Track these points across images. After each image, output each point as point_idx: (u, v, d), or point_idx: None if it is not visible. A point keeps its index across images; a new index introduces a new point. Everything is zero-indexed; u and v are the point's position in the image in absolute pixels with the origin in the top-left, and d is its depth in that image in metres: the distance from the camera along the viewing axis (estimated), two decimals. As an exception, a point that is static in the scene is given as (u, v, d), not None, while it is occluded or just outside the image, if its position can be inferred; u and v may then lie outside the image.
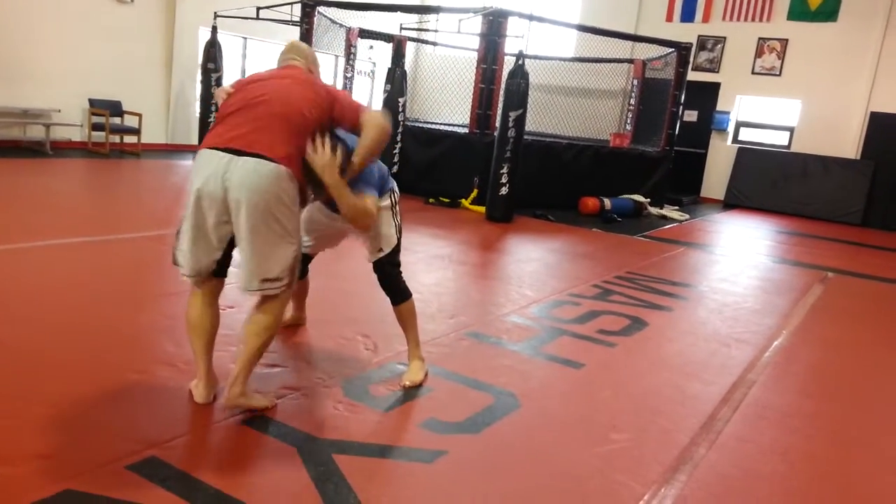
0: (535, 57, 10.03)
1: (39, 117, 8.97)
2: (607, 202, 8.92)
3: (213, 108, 9.75)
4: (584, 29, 10.27)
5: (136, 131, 9.80)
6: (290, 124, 2.28)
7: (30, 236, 4.62)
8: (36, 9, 8.84)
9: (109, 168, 8.56)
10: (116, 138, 9.83)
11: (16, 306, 3.30)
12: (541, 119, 11.26)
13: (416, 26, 11.46)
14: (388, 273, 2.91)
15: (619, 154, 9.89)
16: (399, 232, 2.89)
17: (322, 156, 2.31)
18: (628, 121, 11.90)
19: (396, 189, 2.91)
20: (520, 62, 7.51)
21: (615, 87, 12.55)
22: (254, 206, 2.21)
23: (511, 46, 8.64)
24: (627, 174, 9.68)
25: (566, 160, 9.16)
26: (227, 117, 2.33)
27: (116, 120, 9.69)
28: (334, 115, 2.42)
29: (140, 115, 9.81)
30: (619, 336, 3.87)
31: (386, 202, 2.81)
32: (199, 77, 10.27)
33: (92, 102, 9.51)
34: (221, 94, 2.48)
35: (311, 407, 2.58)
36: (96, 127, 9.49)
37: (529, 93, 7.57)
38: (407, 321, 2.99)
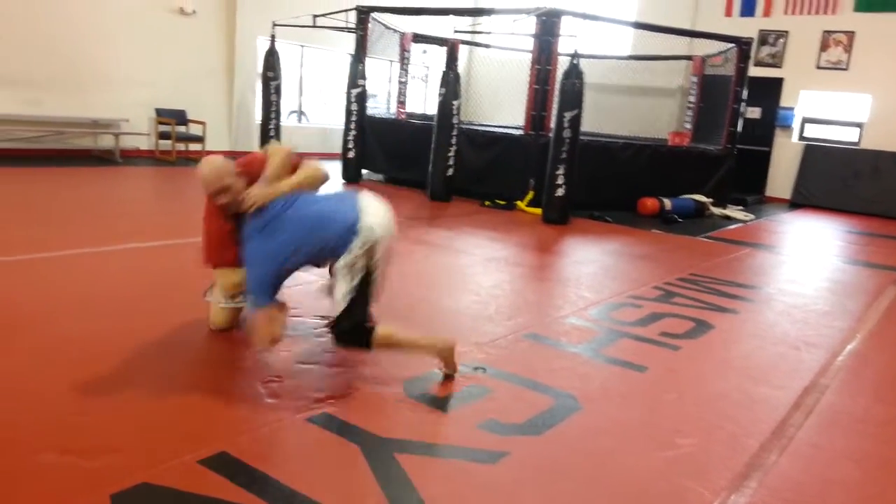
0: (590, 56, 9.90)
1: (109, 127, 9.37)
2: (667, 202, 8.73)
3: (272, 116, 10.00)
4: (640, 26, 10.09)
5: (200, 139, 10.13)
6: None
7: (112, 240, 4.83)
8: (105, 23, 9.23)
9: (176, 175, 8.86)
10: (182, 146, 10.18)
11: (97, 304, 3.45)
12: (596, 119, 11.11)
13: (469, 29, 11.49)
14: (340, 339, 2.75)
15: (678, 153, 9.67)
16: (354, 293, 2.67)
17: None
18: (687, 119, 11.63)
19: (366, 239, 2.66)
20: (574, 62, 7.44)
21: (673, 84, 12.29)
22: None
23: (565, 46, 8.57)
24: (688, 173, 9.45)
25: (623, 160, 9.01)
26: None
27: (182, 128, 10.03)
28: None
29: (204, 124, 10.13)
30: (683, 339, 3.78)
31: (339, 262, 2.66)
32: (258, 85, 10.53)
33: (158, 112, 9.89)
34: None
35: (372, 406, 2.61)
36: (163, 135, 9.86)
37: (584, 92, 7.48)
38: (401, 348, 2.88)
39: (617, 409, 2.81)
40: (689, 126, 11.30)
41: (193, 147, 10.26)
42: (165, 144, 9.90)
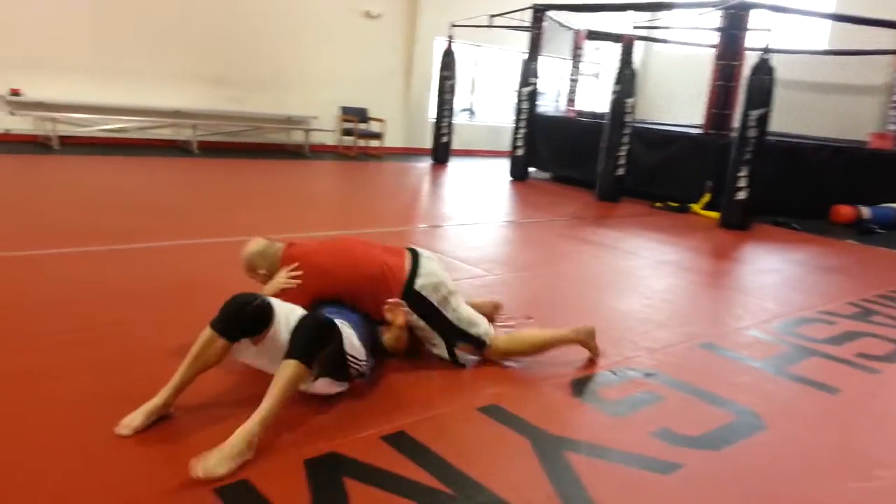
0: (782, 51, 9.17)
1: (300, 123, 10.19)
2: (865, 211, 7.90)
3: (445, 114, 10.32)
4: (840, 18, 9.18)
5: (378, 136, 10.71)
6: None
7: (303, 227, 5.28)
8: (300, 28, 10.05)
9: (358, 169, 9.46)
10: (362, 142, 10.82)
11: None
12: (784, 118, 10.28)
13: (647, 24, 11.11)
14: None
15: (880, 156, 8.69)
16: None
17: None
18: (892, 119, 10.41)
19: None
20: (765, 57, 6.94)
21: (876, 81, 11.05)
22: None
23: (753, 40, 8.02)
24: (892, 179, 8.47)
25: (815, 163, 8.27)
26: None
27: (363, 125, 10.67)
28: None
29: (383, 121, 10.70)
30: (884, 362, 3.42)
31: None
32: (434, 84, 10.91)
33: (343, 110, 10.60)
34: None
35: (542, 403, 2.64)
36: (346, 132, 10.56)
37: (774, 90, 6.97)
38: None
39: (805, 431, 2.61)
40: (894, 127, 10.12)
41: (373, 143, 10.87)
42: (348, 140, 10.59)
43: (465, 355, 2.91)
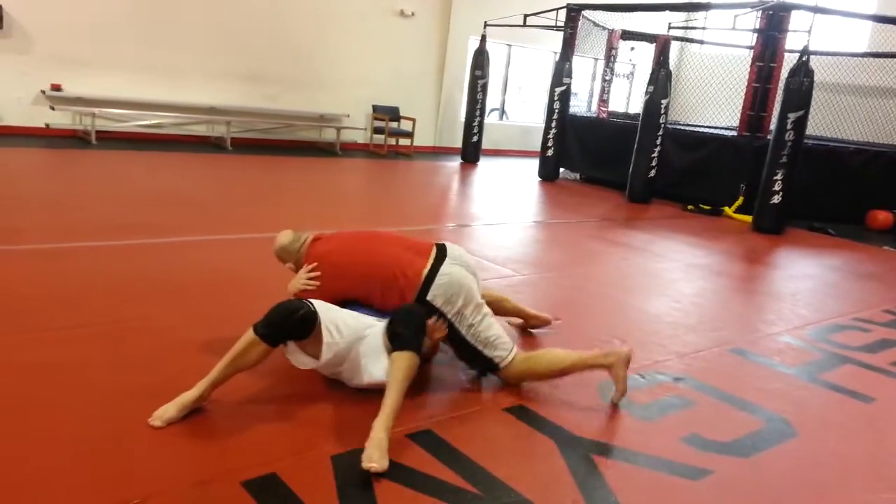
0: (823, 53, 8.98)
1: (332, 121, 10.27)
2: (904, 217, 7.72)
3: (477, 114, 10.31)
4: (881, 20, 8.96)
5: (409, 134, 10.74)
6: None
7: (332, 224, 5.32)
8: (333, 27, 10.12)
9: (388, 168, 9.50)
10: (392, 140, 10.86)
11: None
12: (822, 121, 10.09)
13: (683, 24, 10.96)
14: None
15: (922, 162, 8.49)
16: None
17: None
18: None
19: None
20: (804, 59, 6.81)
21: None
22: None
23: (791, 42, 7.88)
24: (933, 185, 8.26)
25: (853, 167, 8.10)
26: None
27: (394, 124, 10.71)
28: None
29: (414, 120, 10.73)
30: (921, 372, 3.35)
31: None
32: (466, 84, 10.91)
33: (375, 108, 10.65)
34: None
35: (568, 404, 2.63)
36: (377, 130, 10.61)
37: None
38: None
39: (837, 440, 2.56)
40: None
41: (403, 142, 10.91)
42: (378, 139, 10.64)
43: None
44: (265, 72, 9.73)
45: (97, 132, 8.26)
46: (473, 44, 10.71)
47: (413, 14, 10.82)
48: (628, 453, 2.30)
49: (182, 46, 9.01)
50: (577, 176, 10.37)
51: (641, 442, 2.38)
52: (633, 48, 12.29)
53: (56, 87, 8.23)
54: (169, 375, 2.48)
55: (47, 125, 8.30)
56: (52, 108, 8.16)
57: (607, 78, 11.10)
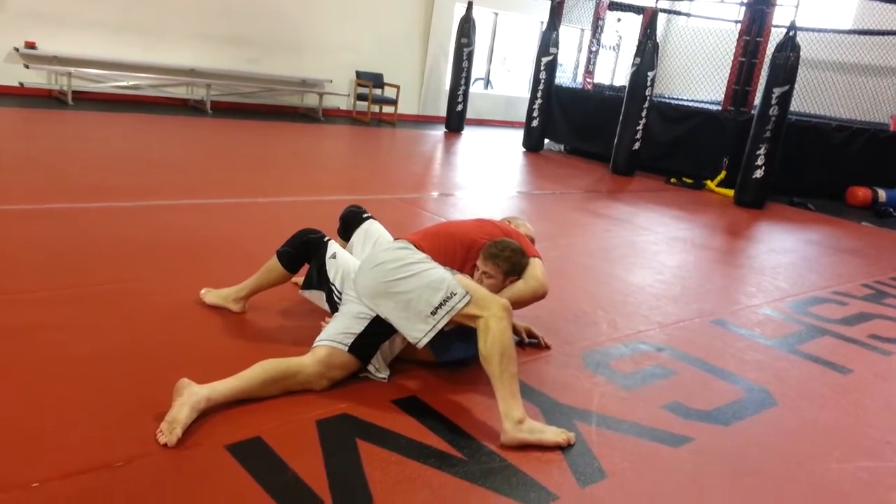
0: (810, 29, 8.97)
1: (315, 86, 10.09)
2: (882, 193, 7.82)
3: (461, 82, 10.18)
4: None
5: (393, 102, 10.60)
6: None
7: (316, 192, 5.26)
8: (318, -11, 9.89)
9: (371, 135, 9.38)
10: (376, 108, 10.72)
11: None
12: (804, 98, 10.12)
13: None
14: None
15: (902, 140, 8.57)
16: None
17: None
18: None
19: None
20: (790, 34, 6.81)
21: (901, 63, 10.83)
22: None
23: (779, 17, 7.85)
24: (911, 163, 8.36)
25: (834, 144, 8.16)
26: None
27: (378, 91, 10.56)
28: None
29: (398, 87, 10.58)
30: (896, 344, 3.41)
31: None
32: (451, 51, 10.76)
33: (358, 74, 10.48)
34: None
35: (553, 372, 2.64)
36: (360, 97, 10.45)
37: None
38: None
39: (816, 410, 2.61)
40: (918, 109, 9.96)
41: (386, 109, 10.77)
42: (362, 106, 10.49)
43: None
44: (247, 34, 9.51)
45: (74, 92, 8.05)
46: (460, 10, 10.54)
47: (398, -22, 10.61)
48: (611, 420, 2.32)
49: (163, 5, 8.76)
50: (562, 147, 10.34)
51: (624, 409, 2.41)
52: (619, 19, 12.20)
53: (30, 45, 7.97)
54: (147, 337, 2.45)
55: (21, 84, 8.06)
56: (27, 67, 7.92)
57: (593, 49, 11.01)
